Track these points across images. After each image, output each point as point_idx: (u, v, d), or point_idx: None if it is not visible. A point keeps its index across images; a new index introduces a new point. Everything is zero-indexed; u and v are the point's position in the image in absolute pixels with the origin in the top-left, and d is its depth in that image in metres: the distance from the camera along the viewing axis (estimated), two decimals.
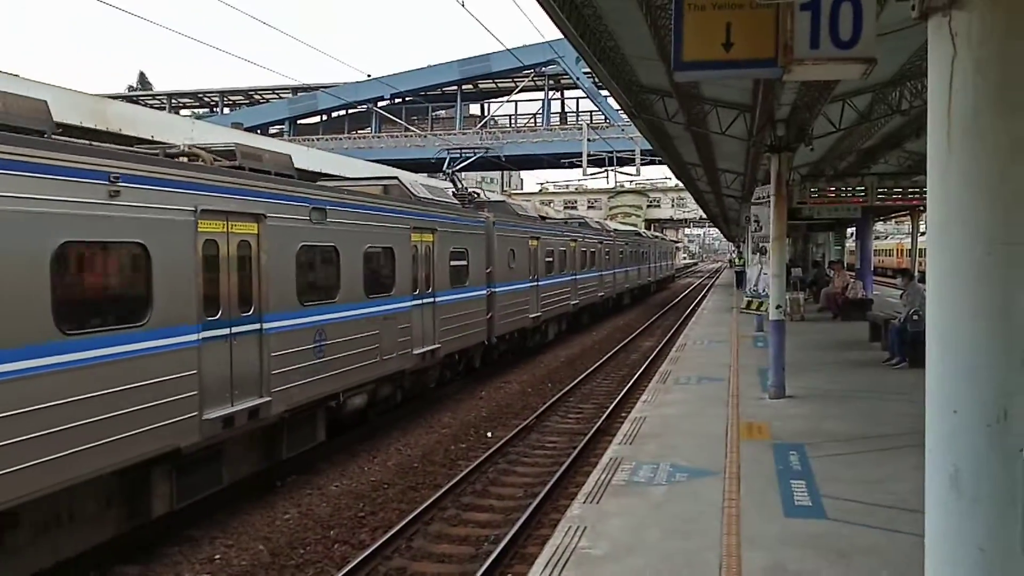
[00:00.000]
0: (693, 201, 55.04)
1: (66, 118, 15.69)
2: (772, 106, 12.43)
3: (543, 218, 27.49)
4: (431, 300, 15.27)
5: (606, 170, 53.03)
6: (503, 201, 24.47)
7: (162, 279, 8.31)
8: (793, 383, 12.84)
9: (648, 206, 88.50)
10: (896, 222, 62.50)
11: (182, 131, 20.44)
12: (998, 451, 2.67)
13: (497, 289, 19.20)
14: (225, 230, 9.37)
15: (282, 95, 73.47)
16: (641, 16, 9.56)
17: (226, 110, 75.49)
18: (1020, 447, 2.67)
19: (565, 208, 70.80)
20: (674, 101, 14.38)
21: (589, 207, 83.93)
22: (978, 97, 2.71)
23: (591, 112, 65.77)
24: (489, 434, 13.95)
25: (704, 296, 45.16)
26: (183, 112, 73.70)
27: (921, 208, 27.12)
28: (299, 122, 71.38)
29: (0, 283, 6.59)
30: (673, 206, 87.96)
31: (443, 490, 10.39)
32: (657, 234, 72.36)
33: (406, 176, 18.30)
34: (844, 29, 5.13)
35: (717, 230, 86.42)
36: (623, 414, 13.67)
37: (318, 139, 63.56)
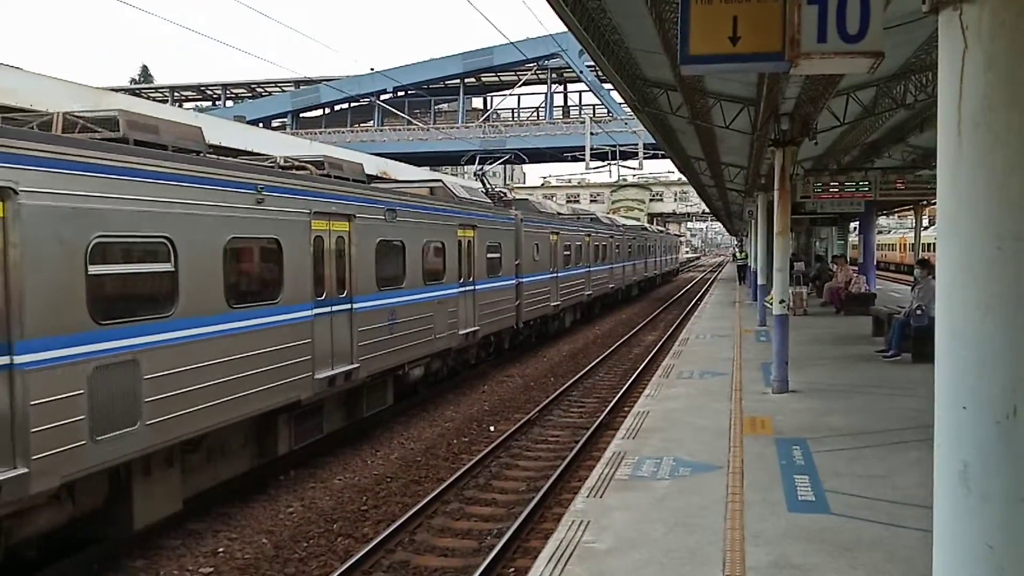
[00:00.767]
0: (696, 195, 55.03)
1: (69, 110, 15.70)
2: (776, 100, 12.40)
3: (560, 214, 29.27)
4: (472, 288, 17.37)
5: (609, 164, 52.98)
6: (527, 199, 26.75)
7: (289, 267, 10.41)
8: (796, 378, 12.83)
9: (651, 200, 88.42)
10: (900, 216, 62.45)
11: None
12: (1008, 447, 2.66)
13: (524, 279, 21.19)
14: (328, 228, 11.44)
15: (285, 88, 73.46)
16: (646, 9, 9.53)
17: (229, 103, 75.45)
18: None
19: (568, 202, 70.72)
20: (678, 95, 14.35)
21: (592, 201, 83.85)
22: (989, 91, 2.69)
23: (594, 106, 65.72)
24: (492, 428, 13.96)
25: (707, 290, 45.12)
26: (186, 105, 73.69)
27: (924, 203, 27.14)
28: (302, 115, 71.38)
29: (196, 269, 8.68)
30: (676, 200, 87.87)
31: (446, 484, 10.40)
32: (662, 229, 72.44)
33: (448, 179, 20.56)
34: (851, 23, 5.10)
35: (720, 224, 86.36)
36: (626, 408, 13.68)
37: (320, 132, 63.55)
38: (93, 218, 7.38)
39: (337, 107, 71.25)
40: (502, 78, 68.89)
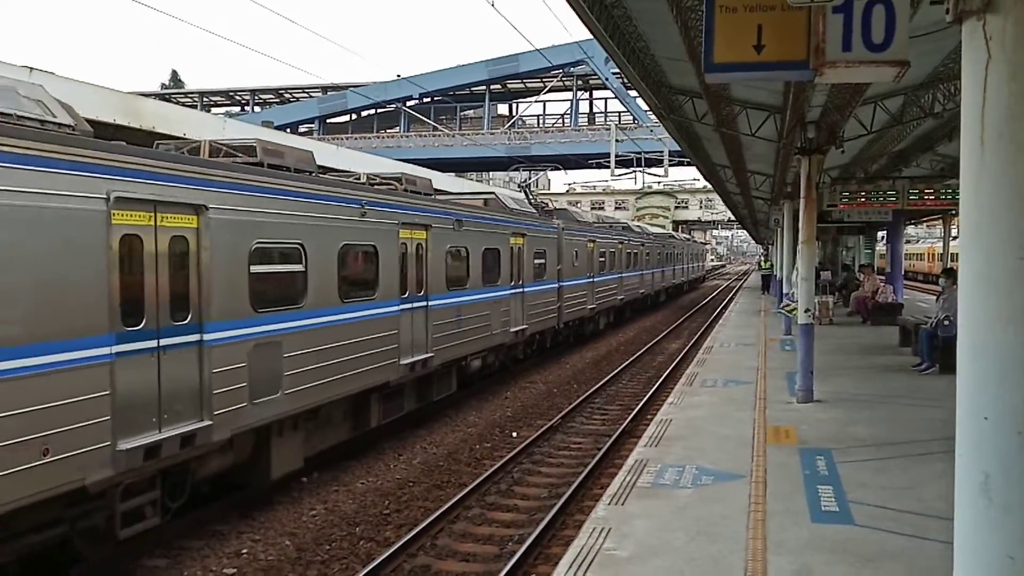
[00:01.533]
0: (721, 203, 54.75)
1: (100, 116, 15.95)
2: (803, 108, 12.34)
3: (596, 223, 30.97)
4: (522, 290, 19.13)
5: (634, 171, 52.84)
6: (566, 209, 28.93)
7: (383, 269, 12.25)
8: (821, 387, 12.74)
9: (676, 207, 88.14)
10: (928, 226, 61.81)
11: (213, 129, 20.69)
12: None
13: (564, 283, 22.86)
14: (411, 236, 13.27)
15: (312, 94, 73.98)
16: (671, 17, 9.51)
17: (257, 108, 76.13)
18: None
19: (592, 209, 70.64)
20: (703, 102, 14.32)
21: (616, 208, 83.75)
22: (1012, 102, 2.68)
23: (619, 113, 65.62)
24: (514, 434, 13.97)
25: (732, 299, 44.88)
26: (214, 110, 74.43)
27: (953, 212, 26.83)
28: (328, 121, 71.83)
29: (319, 269, 10.55)
30: (701, 207, 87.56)
31: (468, 489, 10.43)
32: (689, 237, 72.25)
33: (500, 191, 22.95)
34: (877, 32, 5.08)
35: (745, 232, 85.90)
36: (649, 416, 13.64)
37: (347, 138, 63.92)
38: (253, 228, 9.28)
39: (364, 113, 71.63)
40: (528, 85, 68.96)
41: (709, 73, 5.64)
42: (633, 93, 52.72)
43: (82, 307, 7.03)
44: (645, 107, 33.75)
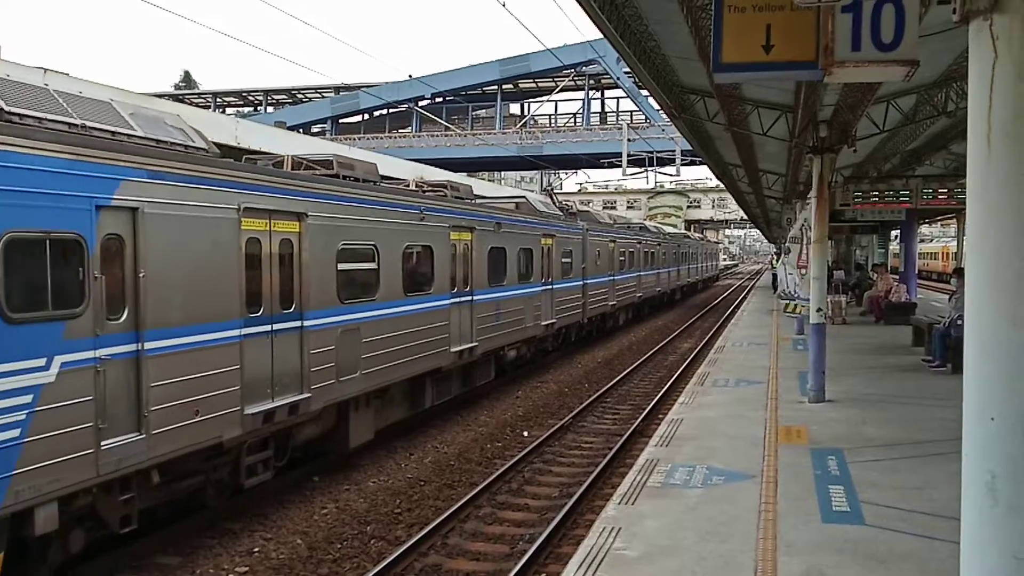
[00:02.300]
0: (734, 202, 54.59)
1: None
2: (814, 107, 12.31)
3: (616, 224, 31.96)
4: (551, 287, 20.45)
5: (646, 170, 52.74)
6: (588, 211, 30.09)
7: (437, 267, 13.76)
8: (833, 387, 12.69)
9: (688, 207, 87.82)
10: (942, 225, 61.46)
11: (227, 130, 20.79)
12: None
13: (588, 281, 24.20)
14: (459, 238, 14.77)
15: (324, 94, 74.06)
16: (682, 17, 9.52)
17: (270, 109, 76.33)
18: None
19: (604, 208, 70.57)
20: (715, 102, 14.30)
21: (629, 207, 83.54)
22: (1019, 101, 2.68)
23: (631, 112, 65.43)
24: (525, 433, 13.99)
25: (744, 298, 44.74)
26: (228, 111, 74.70)
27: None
28: (341, 121, 71.92)
29: (388, 267, 12.06)
30: (714, 207, 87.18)
31: (479, 488, 10.46)
32: (703, 237, 72.17)
33: (530, 195, 24.71)
34: (886, 31, 5.06)
35: (758, 231, 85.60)
36: (660, 416, 13.63)
37: (359, 138, 64.02)
38: (340, 231, 10.83)
39: (376, 113, 71.69)
40: (539, 84, 68.83)
41: (718, 73, 5.65)
42: (645, 92, 52.61)
43: (223, 296, 8.61)
44: (657, 106, 33.68)
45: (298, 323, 9.84)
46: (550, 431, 13.60)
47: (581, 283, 23.54)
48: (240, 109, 78.46)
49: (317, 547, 8.82)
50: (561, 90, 67.94)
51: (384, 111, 70.12)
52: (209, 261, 8.40)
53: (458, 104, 68.09)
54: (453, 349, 14.26)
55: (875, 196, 20.14)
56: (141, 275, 7.52)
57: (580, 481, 10.80)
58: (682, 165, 51.66)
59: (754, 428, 10.73)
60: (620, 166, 51.03)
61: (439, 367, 13.84)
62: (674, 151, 48.29)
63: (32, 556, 7.01)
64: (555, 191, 37.65)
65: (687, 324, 32.84)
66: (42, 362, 6.56)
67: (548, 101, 71.97)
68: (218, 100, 77.84)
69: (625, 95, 63.99)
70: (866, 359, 16.79)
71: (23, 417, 6.39)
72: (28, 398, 6.44)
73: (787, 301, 19.70)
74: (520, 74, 65.27)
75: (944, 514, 7.07)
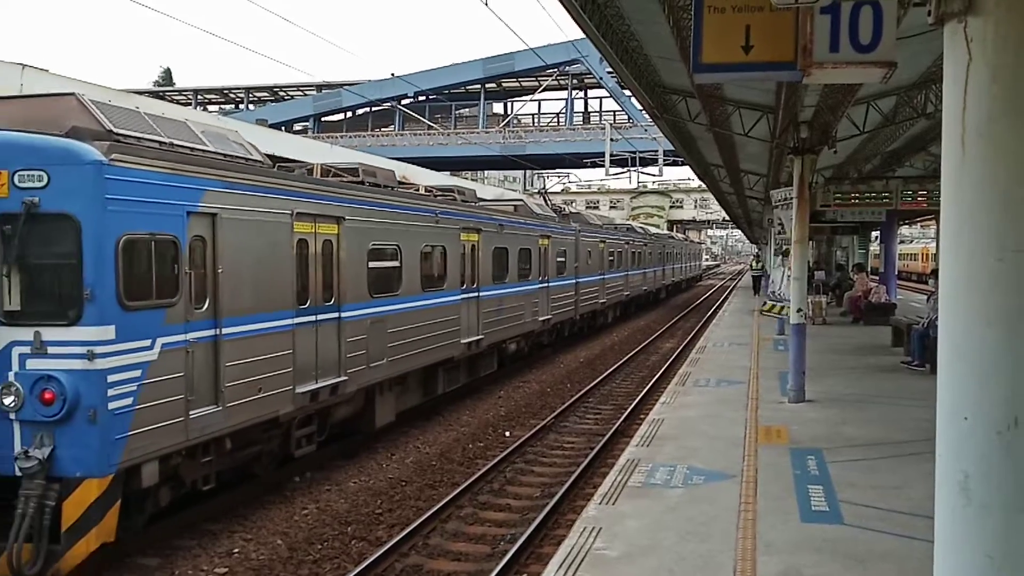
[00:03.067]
0: (716, 202, 54.79)
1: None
2: (795, 108, 12.36)
3: (605, 225, 33.05)
4: (547, 285, 21.69)
5: (629, 170, 52.81)
6: (579, 213, 31.50)
7: (450, 265, 15.08)
8: (813, 387, 12.77)
9: (671, 207, 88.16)
10: (922, 226, 61.95)
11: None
12: (1008, 458, 2.66)
13: (580, 279, 25.49)
14: (467, 239, 16.08)
15: (307, 92, 73.74)
16: (663, 17, 9.53)
17: (251, 106, 75.88)
18: None
19: (587, 208, 70.65)
20: (696, 102, 14.33)
21: (612, 207, 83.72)
22: (993, 104, 2.70)
23: (614, 112, 65.56)
24: (507, 433, 13.99)
25: (725, 299, 44.93)
26: (209, 108, 74.23)
27: None
28: (323, 119, 71.65)
29: (409, 265, 13.33)
30: (696, 207, 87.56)
31: (460, 488, 10.44)
32: (686, 237, 72.50)
33: (528, 199, 25.87)
34: (864, 33, 5.09)
35: (740, 232, 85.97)
36: (641, 416, 13.65)
37: (342, 136, 63.82)
38: (370, 233, 12.09)
39: (359, 111, 71.45)
40: (523, 84, 68.81)
41: (698, 73, 5.67)
42: (628, 92, 52.69)
43: (280, 290, 9.84)
44: (639, 106, 33.79)
45: (337, 314, 11.08)
46: (532, 431, 13.60)
47: (574, 281, 24.78)
48: (222, 107, 77.98)
49: (297, 548, 8.78)
50: (544, 89, 67.92)
51: (367, 110, 69.89)
52: (269, 259, 9.65)
53: (441, 103, 67.96)
54: (463, 341, 15.58)
55: (855, 197, 20.28)
56: (219, 271, 8.75)
57: (562, 481, 10.80)
58: (665, 165, 51.75)
59: (734, 428, 10.78)
60: (603, 166, 51.07)
61: (451, 357, 15.17)
62: (657, 151, 48.36)
63: (132, 507, 8.09)
64: (533, 190, 38.07)
65: (669, 324, 32.93)
66: (148, 343, 7.81)
67: (531, 100, 71.95)
68: (199, 97, 77.27)
69: (608, 95, 64.09)
70: (846, 359, 16.90)
71: (135, 388, 7.62)
72: (138, 372, 7.68)
73: (773, 303, 19.77)
74: (503, 73, 65.21)
75: (922, 513, 7.11)
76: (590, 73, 61.19)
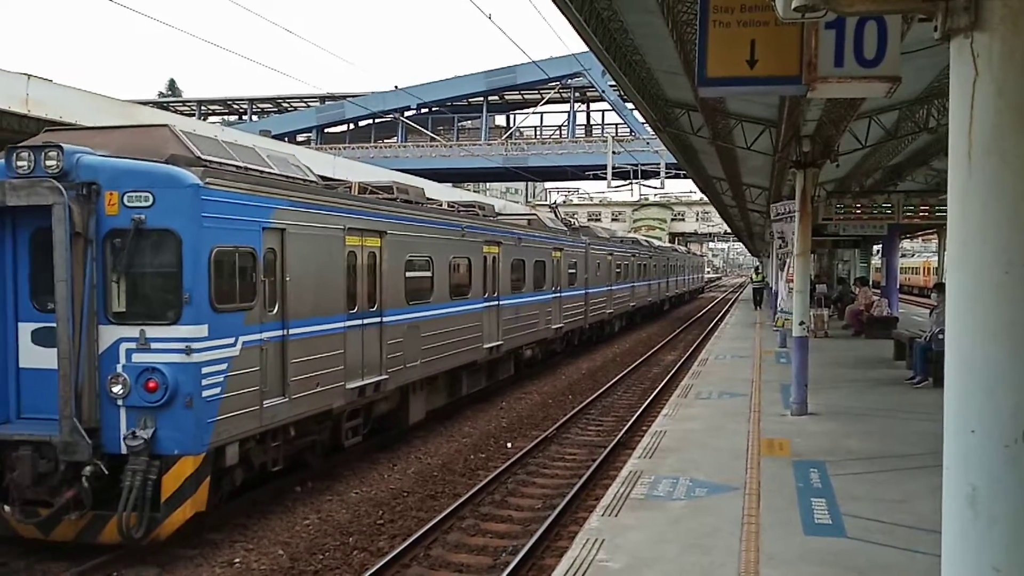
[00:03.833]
0: (718, 215, 54.84)
1: (99, 122, 15.98)
2: (798, 122, 12.40)
3: (612, 238, 34.20)
4: (559, 295, 22.83)
5: (631, 183, 52.91)
6: (588, 226, 32.28)
7: (473, 275, 16.29)
8: (815, 400, 12.76)
9: (673, 219, 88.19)
10: (924, 240, 61.93)
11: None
12: (1016, 471, 2.67)
13: (590, 290, 26.69)
14: (489, 251, 17.27)
15: (310, 104, 73.99)
16: (667, 31, 9.59)
17: (255, 117, 76.09)
18: None
19: (589, 220, 70.71)
20: (699, 115, 14.39)
21: (613, 220, 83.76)
22: (999, 119, 2.71)
23: (616, 125, 65.71)
24: (509, 444, 13.97)
25: (727, 311, 44.92)
26: (212, 119, 74.43)
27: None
28: (326, 131, 71.84)
29: (439, 274, 14.47)
30: (698, 220, 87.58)
31: (462, 499, 10.42)
32: (688, 250, 72.65)
33: (541, 212, 27.59)
34: (869, 48, 5.12)
35: (741, 244, 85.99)
36: (643, 427, 13.64)
37: (345, 148, 63.95)
38: (407, 246, 13.23)
39: (361, 123, 71.62)
40: (525, 96, 69.03)
41: (703, 87, 5.69)
42: (630, 105, 52.81)
43: (334, 296, 10.96)
44: (642, 119, 33.87)
45: (379, 319, 12.21)
46: (534, 442, 13.59)
47: (584, 292, 25.99)
48: (225, 117, 78.21)
49: (299, 558, 8.76)
50: (547, 102, 68.16)
51: (370, 121, 70.06)
52: (325, 269, 10.76)
53: (444, 115, 68.16)
54: (485, 346, 16.78)
55: (857, 211, 20.31)
56: (287, 279, 9.84)
57: (563, 493, 10.78)
58: (667, 178, 51.89)
59: (737, 440, 10.76)
60: (605, 178, 51.15)
61: (474, 360, 16.34)
62: (659, 164, 48.46)
63: (215, 484, 8.95)
64: (535, 202, 38.47)
65: (671, 336, 32.92)
66: (232, 340, 8.89)
67: (534, 113, 72.21)
68: (203, 108, 77.58)
69: (610, 108, 64.26)
70: (848, 372, 16.89)
71: (222, 379, 8.69)
72: (224, 366, 8.74)
73: (783, 316, 19.65)
74: (506, 86, 65.41)
75: (925, 527, 7.11)
76: (592, 86, 61.41)
